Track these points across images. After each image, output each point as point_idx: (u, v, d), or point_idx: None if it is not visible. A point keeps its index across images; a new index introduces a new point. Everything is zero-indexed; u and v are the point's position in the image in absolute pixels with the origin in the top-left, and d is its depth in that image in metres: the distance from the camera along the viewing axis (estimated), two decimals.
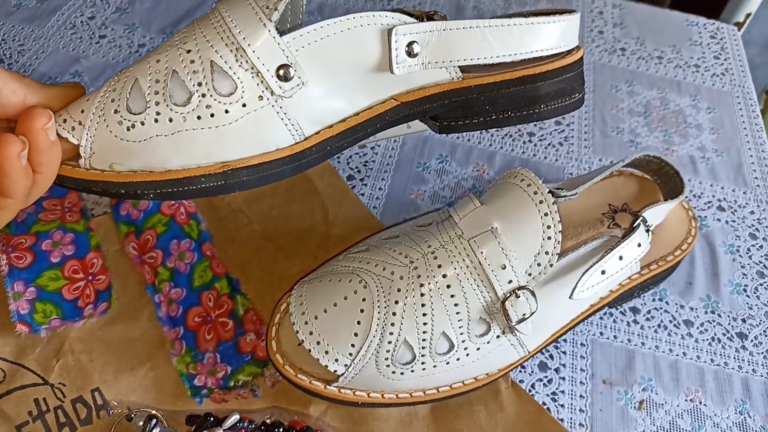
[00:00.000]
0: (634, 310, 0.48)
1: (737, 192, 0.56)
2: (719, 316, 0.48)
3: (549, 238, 0.36)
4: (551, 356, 0.45)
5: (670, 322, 0.48)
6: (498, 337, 0.38)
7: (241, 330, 0.43)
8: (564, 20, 0.37)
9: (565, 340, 0.46)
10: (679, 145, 0.60)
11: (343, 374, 0.37)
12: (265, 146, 0.34)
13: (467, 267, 0.36)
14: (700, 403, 0.44)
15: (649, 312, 0.48)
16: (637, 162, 0.49)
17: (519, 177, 0.38)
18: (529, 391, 0.43)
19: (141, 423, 0.37)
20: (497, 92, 0.38)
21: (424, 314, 0.36)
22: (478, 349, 0.38)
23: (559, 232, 0.36)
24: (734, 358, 0.46)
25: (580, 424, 0.42)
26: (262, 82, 0.32)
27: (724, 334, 0.47)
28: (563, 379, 0.44)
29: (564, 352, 0.45)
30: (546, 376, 0.44)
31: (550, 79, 0.38)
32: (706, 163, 0.59)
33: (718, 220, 0.54)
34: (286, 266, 0.47)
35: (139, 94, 0.32)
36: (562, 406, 0.43)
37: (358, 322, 0.36)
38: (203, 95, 0.32)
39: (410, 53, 0.34)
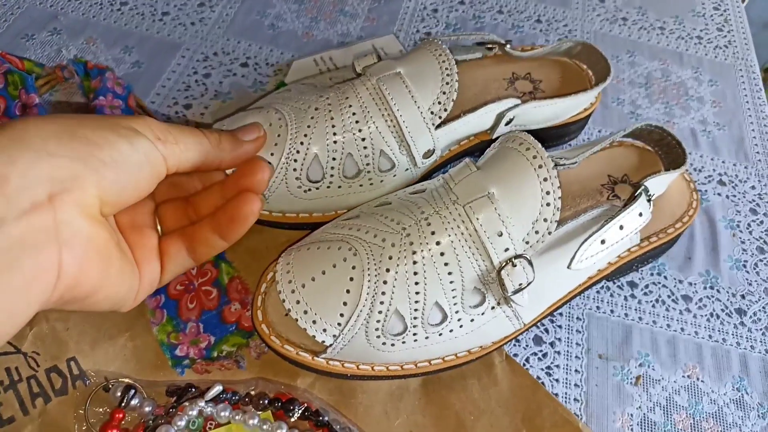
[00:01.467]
0: (632, 284, 0.47)
1: (738, 166, 0.55)
2: (718, 291, 0.47)
3: (548, 204, 0.34)
4: (546, 330, 0.44)
5: (669, 297, 0.46)
6: (493, 308, 0.37)
7: (226, 299, 0.41)
8: (591, 91, 0.48)
9: (560, 314, 0.44)
10: (680, 118, 0.58)
11: (331, 345, 0.35)
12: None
13: (462, 234, 0.34)
14: (698, 379, 0.43)
15: (647, 286, 0.47)
16: (638, 132, 0.47)
17: (518, 141, 0.36)
18: (524, 365, 0.42)
19: (119, 393, 0.36)
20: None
21: (417, 283, 0.34)
22: (472, 320, 0.36)
23: (559, 198, 0.34)
24: (732, 335, 0.45)
25: (575, 399, 0.41)
26: (412, 161, 0.43)
27: (722, 310, 0.46)
28: (558, 353, 0.43)
29: (560, 326, 0.44)
30: (541, 350, 0.43)
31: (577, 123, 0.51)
32: (707, 137, 0.57)
33: (719, 194, 0.53)
34: (274, 234, 0.45)
35: (317, 168, 0.41)
36: (557, 380, 0.41)
37: (348, 291, 0.35)
38: (369, 172, 0.42)
39: (507, 123, 0.46)
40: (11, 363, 0.37)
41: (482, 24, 0.63)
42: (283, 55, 0.57)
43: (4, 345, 0.37)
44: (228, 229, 0.31)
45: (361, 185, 0.43)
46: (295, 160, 0.41)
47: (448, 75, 0.42)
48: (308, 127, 0.41)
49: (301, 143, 0.41)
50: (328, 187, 0.42)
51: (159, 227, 0.32)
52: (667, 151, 0.48)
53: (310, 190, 0.42)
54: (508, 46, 0.50)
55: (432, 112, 0.42)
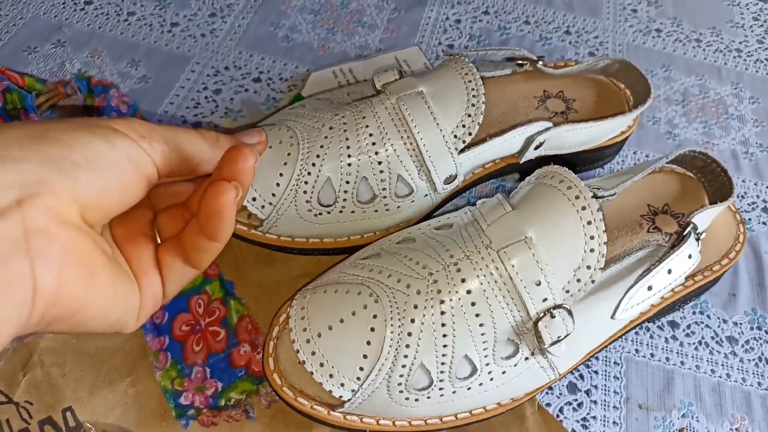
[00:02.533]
0: (673, 325, 0.43)
1: None
2: (766, 332, 0.43)
3: (592, 250, 0.31)
4: (581, 376, 0.40)
5: (712, 338, 0.43)
6: (526, 359, 0.33)
7: (235, 340, 0.38)
8: (629, 114, 0.45)
9: (597, 358, 0.41)
10: (720, 139, 0.55)
11: (349, 400, 0.32)
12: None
13: (495, 282, 0.31)
14: None
15: (689, 326, 0.43)
16: (680, 158, 0.44)
17: (557, 178, 0.32)
18: (557, 416, 0.38)
19: None
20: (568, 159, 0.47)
21: (444, 335, 0.31)
22: (503, 372, 0.33)
23: (604, 243, 0.30)
24: None
25: None
26: (432, 186, 0.40)
27: None
28: (595, 402, 0.39)
29: (596, 372, 0.41)
30: (576, 399, 0.39)
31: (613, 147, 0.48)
32: (750, 159, 0.53)
33: (764, 223, 0.49)
34: (287, 267, 0.42)
35: (329, 191, 0.38)
36: None
37: (368, 343, 0.32)
38: (384, 197, 0.39)
39: (536, 147, 0.43)
40: (2, 414, 0.34)
41: (508, 36, 0.60)
42: (298, 69, 0.54)
43: None
44: (209, 227, 0.27)
45: (376, 211, 0.39)
46: (306, 182, 0.38)
47: (474, 96, 0.39)
48: (321, 147, 0.38)
49: (313, 164, 0.38)
50: (341, 211, 0.39)
51: (158, 236, 0.29)
52: (711, 179, 0.44)
53: (321, 214, 0.39)
54: (541, 62, 0.47)
55: (455, 136, 0.39)
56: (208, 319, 0.38)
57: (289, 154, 0.38)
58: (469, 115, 0.38)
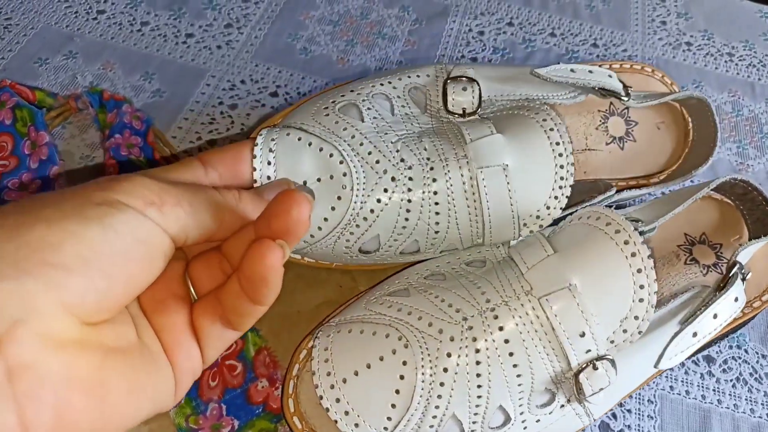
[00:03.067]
0: (708, 359, 0.41)
1: None
2: None
3: (641, 300, 0.29)
4: (614, 415, 0.38)
5: (751, 375, 0.41)
6: (562, 406, 0.31)
7: (252, 375, 0.36)
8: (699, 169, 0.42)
9: (630, 396, 0.39)
10: (755, 160, 0.52)
11: None
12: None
13: (536, 331, 0.29)
14: None
15: (725, 362, 0.41)
16: (720, 185, 0.41)
17: (603, 220, 0.30)
18: None
19: None
20: None
21: (479, 386, 0.29)
22: (537, 420, 0.31)
23: (655, 293, 0.29)
24: None
25: None
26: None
27: None
28: None
29: (629, 411, 0.39)
30: None
31: None
32: None
33: None
34: (307, 297, 0.40)
35: (375, 244, 0.35)
36: None
37: (397, 391, 0.30)
38: (427, 249, 0.36)
39: None
40: None
41: (533, 49, 0.58)
42: (316, 83, 0.52)
43: None
44: (253, 292, 0.23)
45: (413, 257, 0.37)
46: (352, 233, 0.34)
47: (561, 178, 0.34)
48: (378, 201, 0.33)
49: (365, 219, 0.33)
50: (377, 259, 0.36)
51: (192, 291, 0.25)
52: (750, 207, 0.42)
53: (357, 257, 0.36)
54: (630, 99, 0.39)
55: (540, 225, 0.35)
56: (224, 353, 0.37)
57: (339, 198, 0.33)
58: (556, 198, 0.34)
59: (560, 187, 0.33)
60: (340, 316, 0.35)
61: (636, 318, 0.29)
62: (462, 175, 0.33)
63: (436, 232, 0.34)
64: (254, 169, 0.31)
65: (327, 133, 0.34)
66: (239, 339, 0.37)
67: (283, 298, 0.39)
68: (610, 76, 0.37)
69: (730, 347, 0.42)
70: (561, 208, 0.34)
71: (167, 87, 0.51)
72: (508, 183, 0.33)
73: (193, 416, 0.35)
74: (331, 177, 0.33)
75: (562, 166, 0.34)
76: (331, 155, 0.33)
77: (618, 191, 0.40)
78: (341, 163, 0.33)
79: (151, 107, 0.49)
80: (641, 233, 0.36)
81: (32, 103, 0.44)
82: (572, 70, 0.37)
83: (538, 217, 0.34)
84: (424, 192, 0.33)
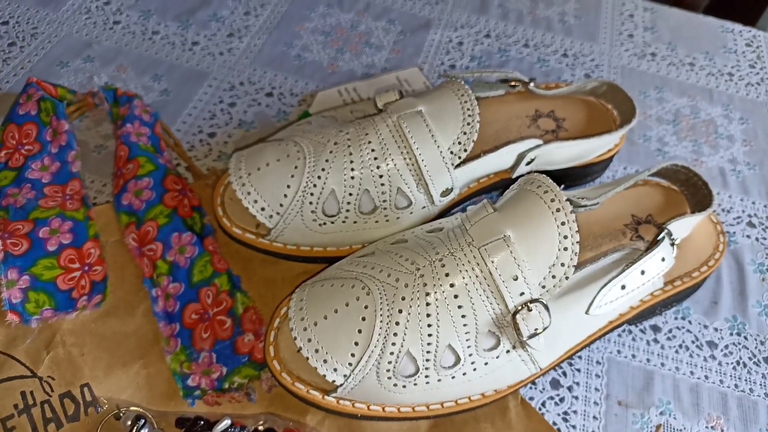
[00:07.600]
0: (655, 329, 0.45)
1: None
2: (745, 338, 0.45)
3: (565, 249, 0.33)
4: (564, 373, 0.43)
5: (693, 342, 0.45)
6: (508, 351, 0.36)
7: (239, 329, 0.41)
8: (615, 133, 0.48)
9: (579, 357, 0.43)
10: (709, 156, 0.57)
11: (341, 385, 0.35)
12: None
13: (476, 276, 0.34)
14: (722, 431, 0.41)
15: (670, 331, 0.45)
16: (664, 171, 0.46)
17: (536, 183, 0.35)
18: (540, 409, 0.41)
19: (129, 423, 0.36)
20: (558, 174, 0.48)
21: (429, 325, 0.34)
22: (486, 363, 0.36)
23: (577, 242, 0.33)
24: (760, 385, 0.43)
25: None
26: (429, 199, 0.43)
27: (750, 358, 0.44)
28: (576, 398, 0.42)
29: (578, 370, 0.43)
30: (558, 395, 0.42)
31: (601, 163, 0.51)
32: (737, 176, 0.56)
33: (748, 236, 0.51)
34: (290, 265, 0.45)
35: (333, 202, 0.41)
36: (574, 427, 0.40)
37: (359, 331, 0.34)
38: (385, 208, 0.42)
39: (528, 163, 0.46)
40: (27, 387, 0.37)
41: (508, 57, 0.63)
42: (308, 86, 0.58)
43: (21, 368, 0.38)
44: None
45: (376, 221, 0.42)
46: (312, 194, 0.41)
47: (469, 116, 0.42)
48: (326, 161, 0.41)
49: (318, 177, 0.41)
50: (344, 221, 0.42)
51: None
52: (693, 191, 0.47)
53: (325, 224, 0.42)
54: (532, 84, 0.50)
55: (452, 152, 0.42)
56: (216, 309, 0.41)
57: (296, 167, 0.41)
58: (465, 133, 0.42)
59: None
60: (316, 277, 0.40)
61: (562, 264, 0.33)
62: (387, 125, 0.42)
63: (380, 176, 0.41)
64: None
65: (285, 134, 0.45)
66: (229, 298, 0.42)
67: (268, 267, 0.45)
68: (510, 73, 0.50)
69: (676, 318, 0.46)
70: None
71: (174, 87, 0.56)
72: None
73: (187, 363, 0.40)
74: (288, 156, 0.42)
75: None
76: (288, 144, 0.42)
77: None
78: (295, 146, 0.42)
79: (158, 104, 0.55)
80: (585, 206, 0.41)
81: (54, 98, 0.50)
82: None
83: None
84: (361, 148, 0.41)
